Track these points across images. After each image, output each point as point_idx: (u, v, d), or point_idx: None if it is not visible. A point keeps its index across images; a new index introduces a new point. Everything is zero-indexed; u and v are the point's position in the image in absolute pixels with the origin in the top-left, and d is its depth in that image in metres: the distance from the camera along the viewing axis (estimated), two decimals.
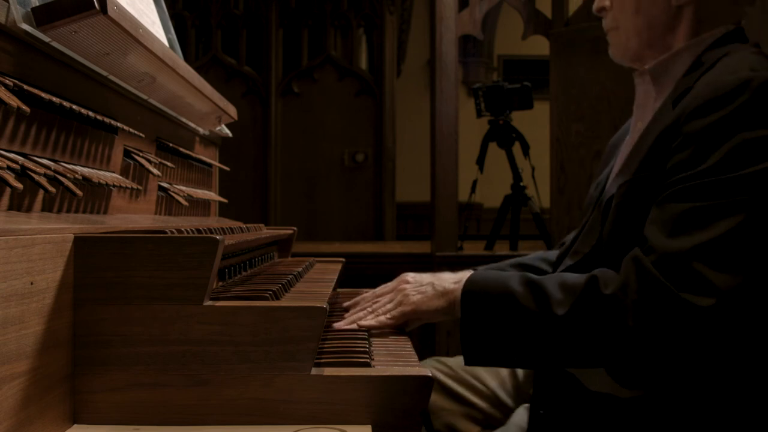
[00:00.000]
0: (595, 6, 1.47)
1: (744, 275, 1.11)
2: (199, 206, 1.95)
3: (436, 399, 1.58)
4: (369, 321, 1.33)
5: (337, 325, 1.35)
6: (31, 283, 0.83)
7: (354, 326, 1.33)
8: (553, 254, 1.67)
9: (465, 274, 1.34)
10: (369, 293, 1.46)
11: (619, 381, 1.25)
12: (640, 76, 1.39)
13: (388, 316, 1.34)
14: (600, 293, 1.16)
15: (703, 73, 1.25)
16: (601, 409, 1.26)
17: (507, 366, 1.52)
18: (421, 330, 3.90)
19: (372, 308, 1.38)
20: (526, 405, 1.48)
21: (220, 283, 1.33)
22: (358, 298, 1.47)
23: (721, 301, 1.10)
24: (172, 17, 1.95)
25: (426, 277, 1.39)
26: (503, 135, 4.18)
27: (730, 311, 1.10)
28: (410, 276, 1.42)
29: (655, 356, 1.16)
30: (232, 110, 1.96)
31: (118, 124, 1.27)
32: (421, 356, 1.16)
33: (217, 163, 2.11)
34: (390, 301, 1.38)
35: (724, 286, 1.10)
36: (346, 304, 1.47)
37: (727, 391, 1.21)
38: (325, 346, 1.16)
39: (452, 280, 1.34)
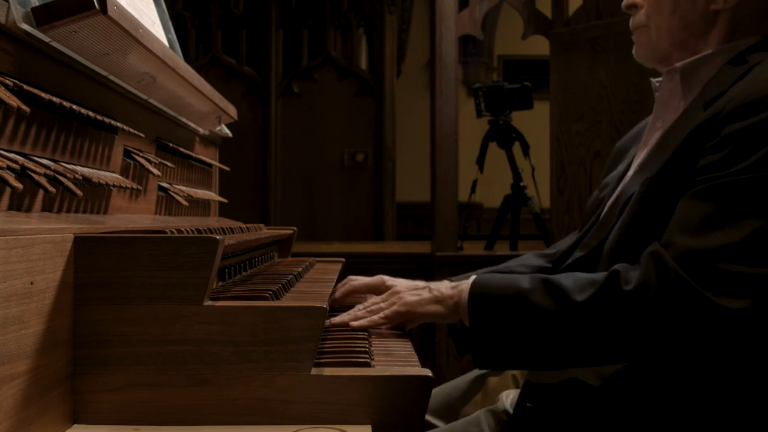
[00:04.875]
0: (624, 3, 1.46)
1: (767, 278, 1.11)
2: (199, 206, 1.95)
3: None
4: (362, 322, 1.33)
5: (333, 320, 1.34)
6: (31, 283, 0.83)
7: (349, 323, 1.33)
8: (533, 259, 1.66)
9: (460, 281, 1.33)
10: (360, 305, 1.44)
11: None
12: (668, 73, 1.39)
13: (381, 315, 1.34)
14: (621, 289, 1.16)
15: (738, 79, 1.25)
16: (593, 404, 1.26)
17: (519, 368, 1.51)
18: (421, 330, 3.90)
19: (366, 309, 1.38)
20: (496, 405, 1.48)
21: (220, 283, 1.33)
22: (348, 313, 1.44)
23: (743, 302, 1.10)
24: (172, 17, 1.95)
25: (418, 282, 1.39)
26: (503, 135, 4.17)
27: (752, 312, 1.11)
28: (394, 280, 1.43)
29: (673, 354, 1.17)
30: (232, 110, 1.96)
31: (118, 124, 1.27)
32: (421, 356, 1.16)
33: (217, 163, 2.11)
34: (383, 301, 1.38)
35: (747, 287, 1.11)
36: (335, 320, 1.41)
37: (726, 385, 1.21)
38: (325, 346, 1.16)
39: (449, 285, 1.33)
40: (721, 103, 1.22)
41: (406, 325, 1.37)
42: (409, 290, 1.36)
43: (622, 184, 1.42)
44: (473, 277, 1.31)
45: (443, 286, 1.33)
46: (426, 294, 1.34)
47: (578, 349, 1.20)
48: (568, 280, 1.22)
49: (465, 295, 1.27)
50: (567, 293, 1.19)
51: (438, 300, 1.32)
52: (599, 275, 1.21)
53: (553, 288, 1.20)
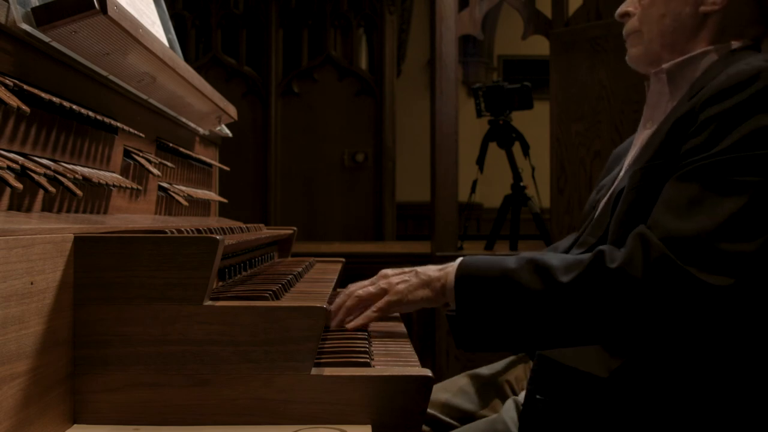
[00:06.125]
0: (618, 12, 1.49)
1: (752, 255, 1.12)
2: (199, 206, 1.95)
3: None
4: (358, 321, 1.32)
5: (332, 324, 1.33)
6: (31, 283, 0.83)
7: (346, 325, 1.32)
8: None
9: (448, 263, 1.32)
10: (348, 291, 1.40)
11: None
12: (655, 75, 1.42)
13: (374, 309, 1.33)
14: (606, 267, 1.17)
15: (720, 73, 1.28)
16: (602, 395, 1.26)
17: (502, 349, 1.51)
18: (421, 330, 3.90)
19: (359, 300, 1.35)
20: (515, 397, 1.48)
21: (220, 283, 1.33)
22: (339, 299, 1.41)
23: (728, 279, 1.11)
24: (172, 17, 1.95)
25: (406, 268, 1.37)
26: (503, 135, 4.17)
27: (735, 291, 1.11)
28: (389, 270, 1.39)
29: (658, 333, 1.17)
30: (232, 110, 1.96)
31: (118, 124, 1.27)
32: (421, 356, 1.16)
33: (217, 163, 2.11)
34: (371, 285, 1.35)
35: (731, 264, 1.12)
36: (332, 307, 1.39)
37: (726, 373, 1.22)
38: (325, 346, 1.16)
39: (435, 268, 1.32)
40: (702, 92, 1.25)
41: (397, 312, 1.37)
42: (396, 275, 1.35)
43: (615, 183, 1.44)
44: (460, 259, 1.30)
45: (430, 270, 1.33)
46: (414, 279, 1.33)
47: (564, 329, 1.20)
48: (554, 259, 1.23)
49: (451, 277, 1.26)
50: (553, 272, 1.19)
51: (425, 284, 1.31)
52: (586, 255, 1.22)
53: (539, 267, 1.21)
